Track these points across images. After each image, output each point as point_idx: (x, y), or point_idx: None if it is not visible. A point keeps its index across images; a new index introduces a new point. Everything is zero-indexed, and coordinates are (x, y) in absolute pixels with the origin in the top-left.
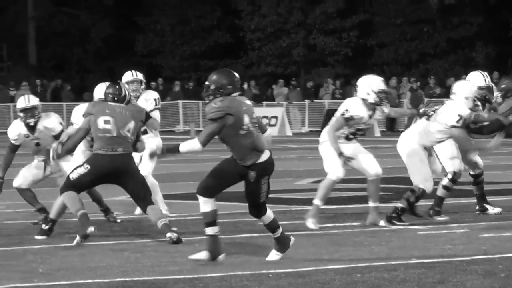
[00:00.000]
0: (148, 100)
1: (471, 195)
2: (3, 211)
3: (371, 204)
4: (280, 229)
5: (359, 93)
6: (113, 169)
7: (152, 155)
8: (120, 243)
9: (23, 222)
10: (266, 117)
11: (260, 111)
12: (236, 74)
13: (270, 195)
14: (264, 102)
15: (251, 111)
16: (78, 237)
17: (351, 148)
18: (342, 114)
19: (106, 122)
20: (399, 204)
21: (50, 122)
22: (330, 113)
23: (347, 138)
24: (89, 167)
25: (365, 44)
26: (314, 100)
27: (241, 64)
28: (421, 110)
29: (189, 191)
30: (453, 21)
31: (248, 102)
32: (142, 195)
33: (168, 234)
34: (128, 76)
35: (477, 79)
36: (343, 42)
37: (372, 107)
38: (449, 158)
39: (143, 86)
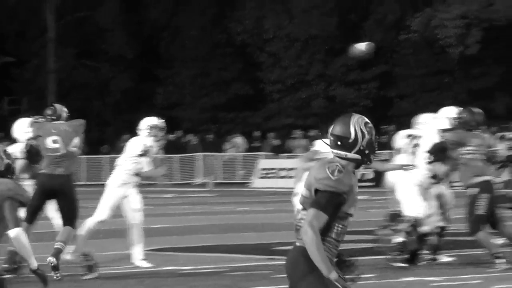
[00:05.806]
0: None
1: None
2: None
3: None
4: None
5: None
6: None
7: None
8: None
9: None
10: (284, 169)
11: (280, 163)
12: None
13: None
14: (285, 154)
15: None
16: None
17: None
18: None
19: (54, 141)
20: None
21: None
22: None
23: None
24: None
25: (385, 96)
26: None
27: (260, 116)
28: (404, 167)
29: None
30: (473, 72)
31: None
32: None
33: (50, 258)
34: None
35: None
36: (362, 93)
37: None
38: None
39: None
